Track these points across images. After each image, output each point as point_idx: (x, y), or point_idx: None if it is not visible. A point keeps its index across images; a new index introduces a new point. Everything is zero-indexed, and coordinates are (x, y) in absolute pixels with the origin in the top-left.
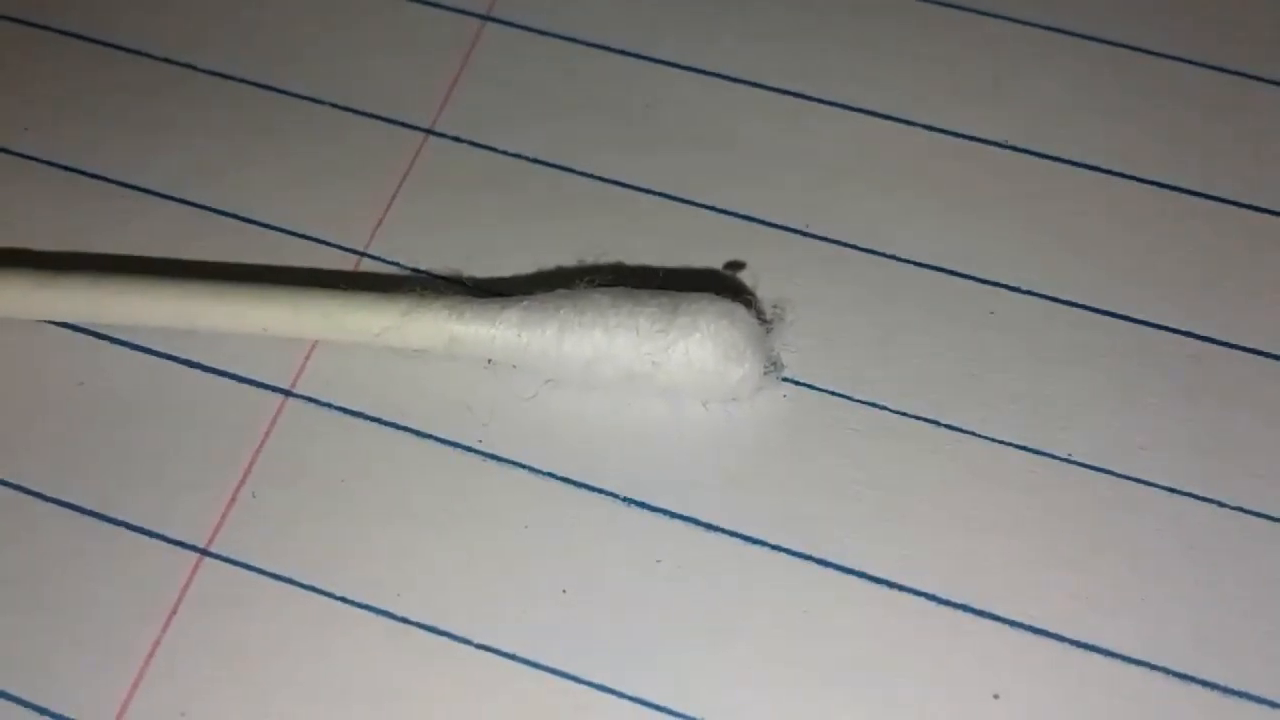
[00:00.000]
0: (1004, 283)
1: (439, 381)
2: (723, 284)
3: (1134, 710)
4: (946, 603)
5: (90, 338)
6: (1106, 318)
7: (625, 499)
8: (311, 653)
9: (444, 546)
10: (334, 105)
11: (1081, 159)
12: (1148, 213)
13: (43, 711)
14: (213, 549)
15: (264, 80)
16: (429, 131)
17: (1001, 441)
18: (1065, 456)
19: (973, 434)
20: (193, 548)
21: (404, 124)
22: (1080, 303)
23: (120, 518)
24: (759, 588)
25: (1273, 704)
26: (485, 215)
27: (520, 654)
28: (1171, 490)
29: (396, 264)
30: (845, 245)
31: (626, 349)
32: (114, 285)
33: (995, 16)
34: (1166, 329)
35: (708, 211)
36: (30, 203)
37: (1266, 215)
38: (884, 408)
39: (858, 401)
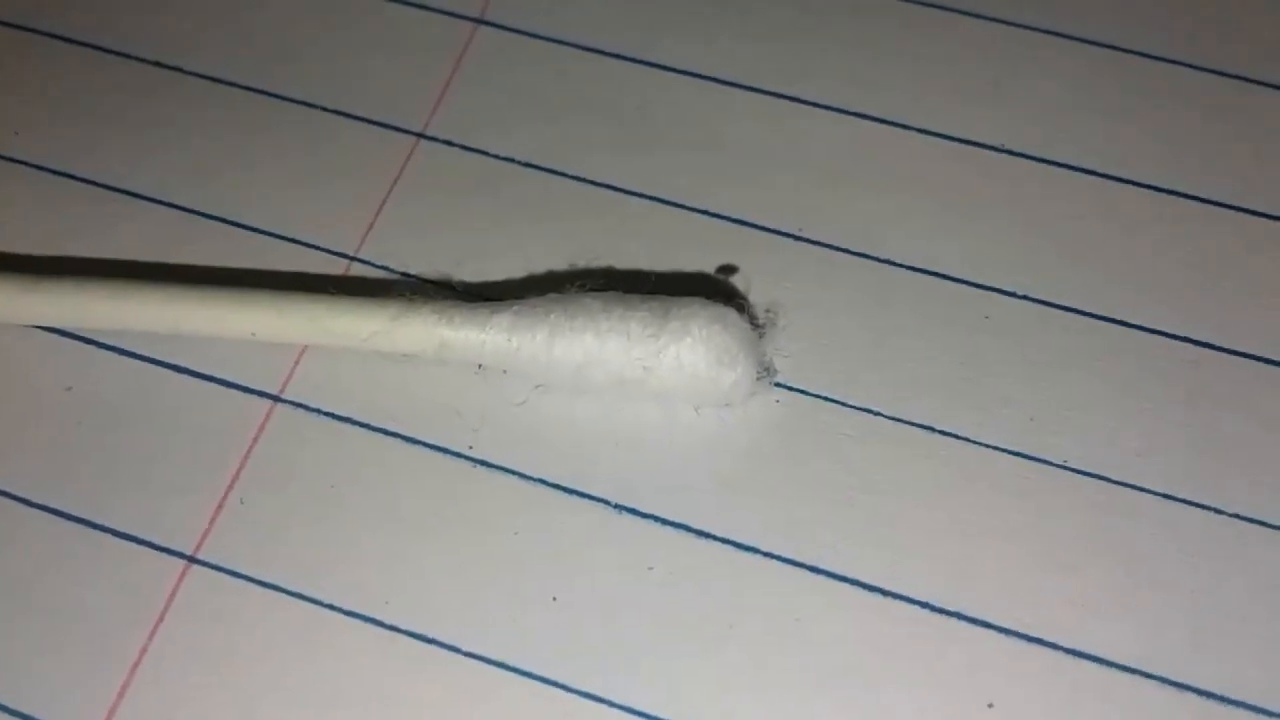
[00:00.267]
0: (999, 287)
1: (429, 387)
2: (715, 288)
3: (1129, 718)
4: (939, 610)
5: (78, 342)
6: (1102, 322)
7: (616, 505)
8: (299, 660)
9: (433, 553)
10: (325, 109)
11: (1077, 162)
12: (1144, 216)
13: (28, 718)
14: (200, 555)
15: (254, 84)
16: (420, 135)
17: (995, 447)
18: (1060, 462)
19: (966, 439)
20: (180, 554)
21: (395, 127)
22: (1075, 307)
23: (107, 524)
24: (751, 594)
25: (1268, 712)
26: (476, 219)
27: (510, 661)
28: (1167, 496)
29: (387, 268)
30: (838, 249)
31: (618, 354)
32: (103, 290)
33: (991, 19)
34: (1163, 334)
35: (699, 215)
36: (19, 206)
37: (1264, 219)
38: (877, 413)
39: (850, 407)
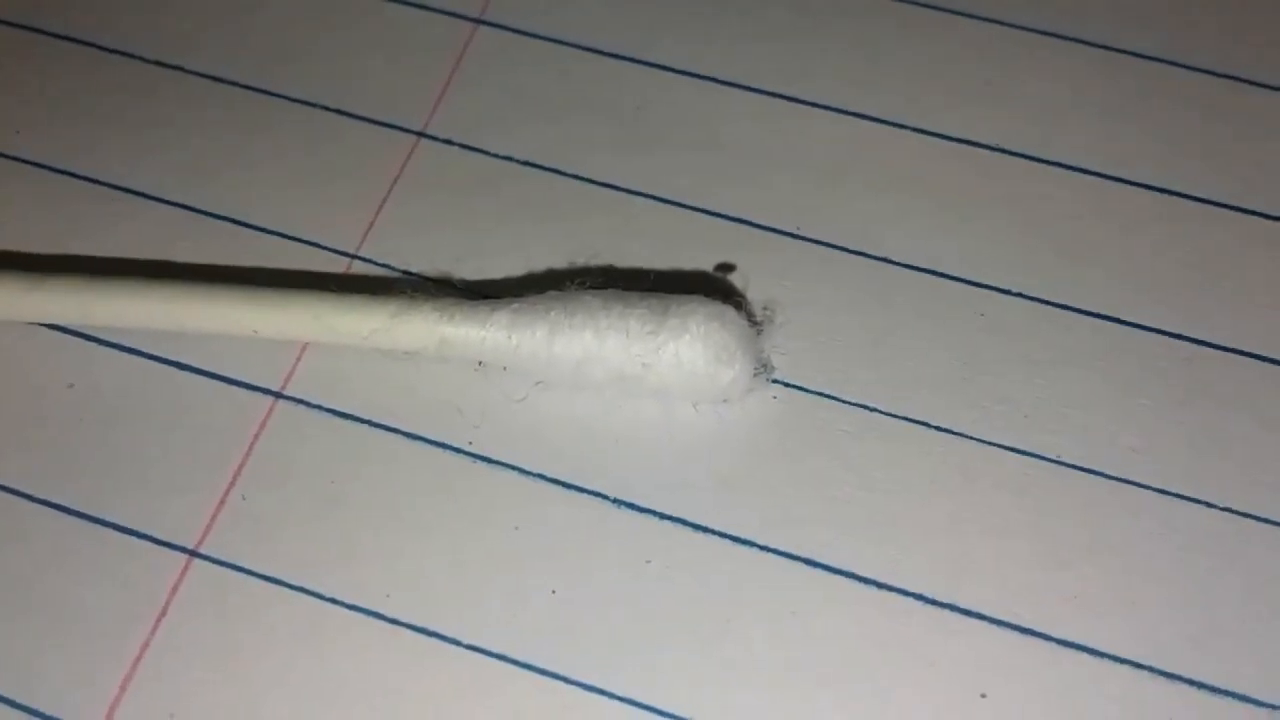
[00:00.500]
0: (996, 285)
1: (429, 383)
2: (713, 286)
3: (1122, 710)
4: (935, 603)
5: (80, 340)
6: (1099, 320)
7: (615, 500)
8: (301, 654)
9: (434, 548)
10: (326, 108)
11: (1074, 162)
12: (1141, 216)
13: (31, 712)
14: (202, 550)
15: (256, 83)
16: (421, 134)
17: (992, 443)
18: (1056, 458)
19: (963, 436)
20: (182, 549)
21: (396, 126)
22: (1072, 305)
23: (110, 519)
24: (749, 588)
25: (1262, 704)
26: (476, 217)
27: (510, 655)
28: (1163, 492)
29: (388, 266)
30: (836, 247)
31: (617, 351)
32: (104, 287)
33: (989, 20)
34: (1159, 332)
35: (698, 213)
36: (21, 205)
37: (1260, 219)
38: (874, 409)
39: (848, 403)
